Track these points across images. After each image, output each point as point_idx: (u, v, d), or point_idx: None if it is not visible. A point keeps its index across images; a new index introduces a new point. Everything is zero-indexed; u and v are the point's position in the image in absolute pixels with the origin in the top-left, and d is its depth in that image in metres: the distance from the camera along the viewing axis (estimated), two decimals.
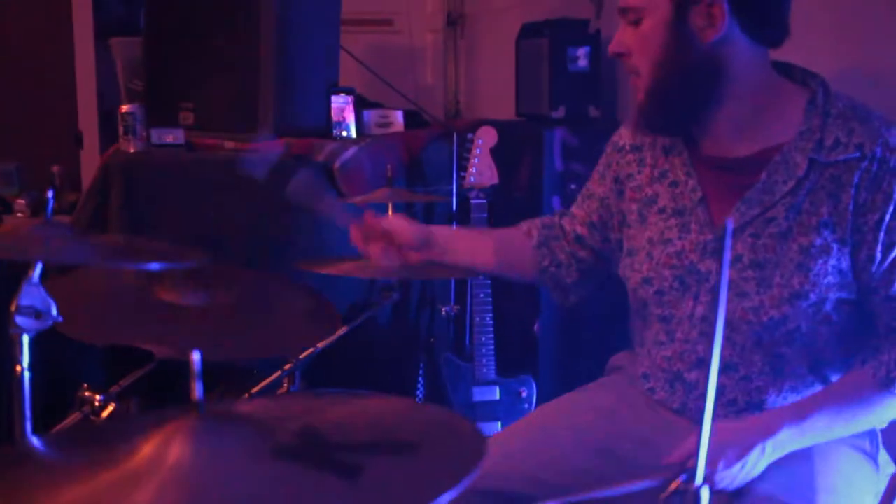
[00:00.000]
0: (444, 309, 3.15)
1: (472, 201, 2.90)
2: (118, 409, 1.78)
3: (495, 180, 2.92)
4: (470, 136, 2.98)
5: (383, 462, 0.98)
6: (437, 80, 4.61)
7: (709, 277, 1.68)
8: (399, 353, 3.21)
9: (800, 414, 1.59)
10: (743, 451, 1.54)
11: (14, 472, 1.01)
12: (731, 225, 1.12)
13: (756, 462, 1.55)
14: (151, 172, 2.99)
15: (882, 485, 1.66)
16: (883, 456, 1.73)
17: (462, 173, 2.97)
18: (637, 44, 1.65)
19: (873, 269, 1.56)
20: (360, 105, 3.37)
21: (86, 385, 1.85)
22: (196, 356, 0.89)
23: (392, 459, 0.99)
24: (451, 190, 3.19)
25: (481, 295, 2.89)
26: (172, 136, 3.04)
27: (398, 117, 3.40)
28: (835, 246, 1.57)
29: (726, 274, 1.05)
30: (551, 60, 3.07)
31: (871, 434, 1.70)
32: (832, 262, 1.58)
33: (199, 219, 2.95)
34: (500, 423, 2.90)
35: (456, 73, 4.56)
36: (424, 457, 1.02)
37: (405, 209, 3.15)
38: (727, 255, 1.05)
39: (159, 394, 2.04)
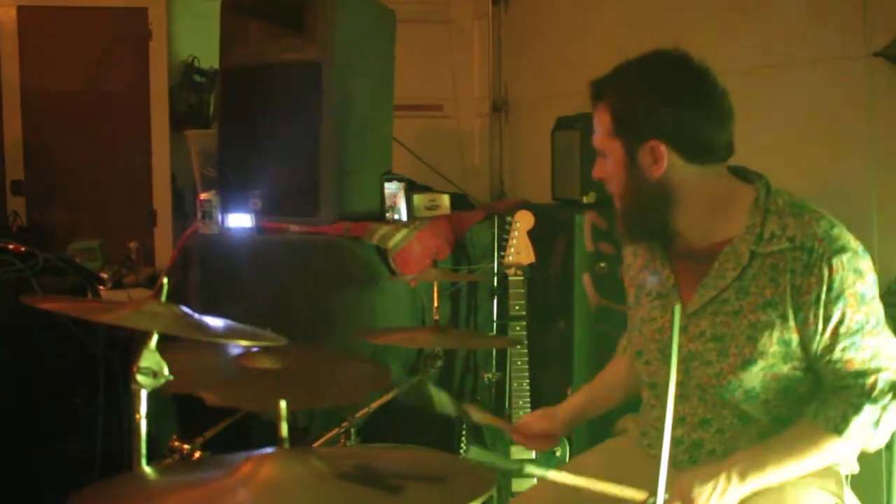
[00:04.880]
0: (485, 375, 3.47)
1: (511, 279, 3.21)
2: (205, 456, 2.10)
3: (532, 259, 3.23)
4: (509, 218, 3.30)
5: (420, 487, 1.30)
6: (484, 162, 4.97)
7: (681, 349, 1.97)
8: (443, 415, 3.52)
9: (757, 452, 1.89)
10: (710, 477, 1.83)
11: (134, 491, 1.35)
12: (678, 311, 1.42)
13: (725, 488, 1.82)
14: (225, 253, 3.37)
15: None
16: (849, 496, 1.99)
17: (502, 253, 3.30)
18: (606, 175, 2.02)
19: (817, 338, 1.86)
20: (411, 189, 3.71)
21: (175, 435, 2.18)
22: (283, 403, 1.22)
23: (426, 485, 1.31)
24: (493, 268, 3.52)
25: (519, 363, 3.19)
26: (244, 220, 3.41)
27: (445, 201, 3.75)
28: (777, 321, 1.88)
29: (675, 346, 1.36)
30: (583, 151, 3.39)
31: (836, 476, 1.98)
32: (776, 334, 1.88)
33: (266, 294, 3.31)
34: (535, 480, 3.17)
35: (500, 155, 4.91)
36: (450, 485, 1.35)
37: (450, 286, 3.49)
38: (676, 332, 1.36)
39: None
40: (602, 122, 1.99)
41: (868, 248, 1.90)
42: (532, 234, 3.23)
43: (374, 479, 1.26)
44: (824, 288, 1.83)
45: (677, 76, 1.93)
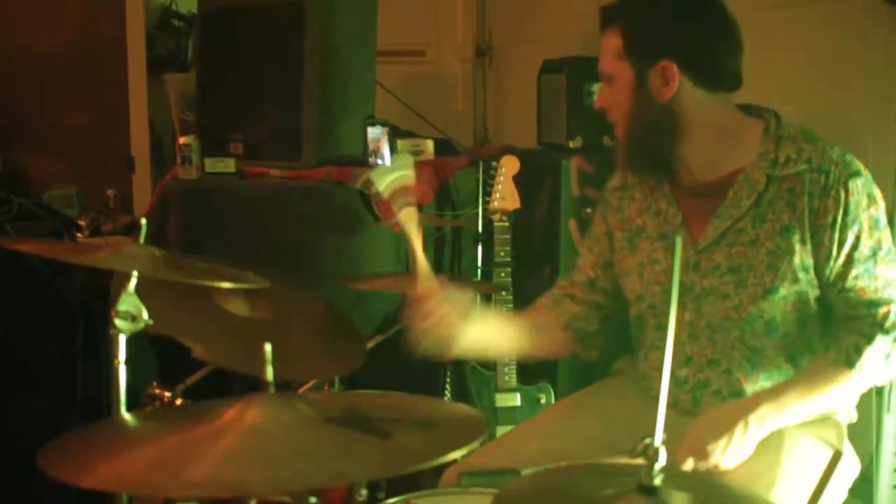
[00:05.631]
0: None
1: (496, 224, 3.17)
2: (186, 403, 2.05)
3: (517, 205, 3.19)
4: (494, 163, 3.25)
5: (408, 431, 1.26)
6: (467, 108, 4.89)
7: (693, 287, 1.95)
8: (428, 362, 3.47)
9: (775, 393, 1.85)
10: (724, 429, 1.78)
11: (114, 438, 1.31)
12: (679, 244, 1.36)
13: (742, 436, 1.78)
14: (205, 198, 3.30)
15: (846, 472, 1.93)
16: (848, 448, 1.98)
17: (487, 198, 3.25)
18: (612, 101, 1.97)
19: (831, 264, 1.85)
20: (394, 134, 3.64)
21: (155, 382, 2.13)
22: (268, 347, 1.18)
23: (415, 429, 1.27)
24: (477, 214, 3.47)
25: (504, 311, 3.16)
26: (224, 165, 3.35)
27: (429, 146, 3.68)
28: (797, 246, 1.86)
29: (677, 278, 1.31)
30: (569, 95, 3.33)
31: (836, 427, 1.97)
32: (796, 259, 1.87)
33: (247, 239, 3.25)
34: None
35: (484, 101, 4.83)
36: (440, 430, 1.31)
37: (434, 232, 3.44)
38: (677, 267, 1.31)
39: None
40: (611, 46, 1.95)
41: None
42: (517, 180, 3.18)
43: (362, 424, 1.22)
44: (840, 211, 1.83)
45: None
